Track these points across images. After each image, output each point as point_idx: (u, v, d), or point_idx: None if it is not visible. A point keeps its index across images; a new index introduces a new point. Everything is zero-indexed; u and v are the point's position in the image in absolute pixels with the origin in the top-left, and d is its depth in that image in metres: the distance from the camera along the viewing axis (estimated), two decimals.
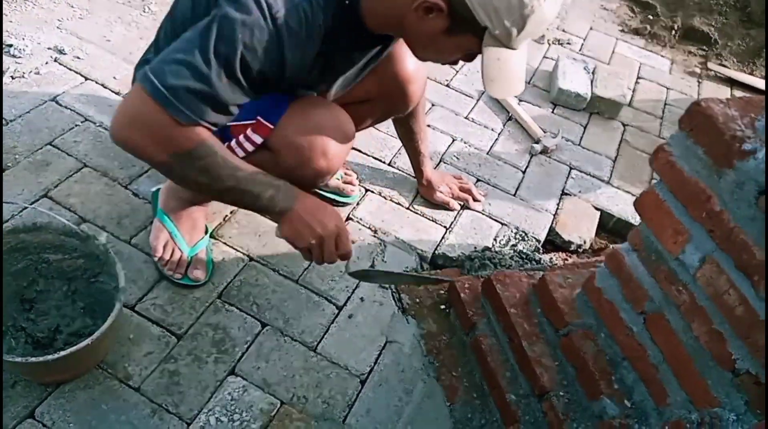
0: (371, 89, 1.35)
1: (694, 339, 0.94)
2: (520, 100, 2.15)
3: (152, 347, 1.19)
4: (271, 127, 1.10)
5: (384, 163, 1.75)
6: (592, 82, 2.20)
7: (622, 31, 2.75)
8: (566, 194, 1.82)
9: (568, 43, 2.54)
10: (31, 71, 1.68)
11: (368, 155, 1.76)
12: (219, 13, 0.89)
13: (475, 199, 1.68)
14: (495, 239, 1.62)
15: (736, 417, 0.85)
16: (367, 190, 1.65)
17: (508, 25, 0.92)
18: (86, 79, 1.71)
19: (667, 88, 2.44)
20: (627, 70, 2.42)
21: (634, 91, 2.36)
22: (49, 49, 1.76)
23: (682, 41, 2.75)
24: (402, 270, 1.48)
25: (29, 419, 1.05)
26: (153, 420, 1.09)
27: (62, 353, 0.97)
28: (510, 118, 2.05)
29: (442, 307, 1.42)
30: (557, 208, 1.77)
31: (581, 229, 1.73)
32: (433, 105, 2.02)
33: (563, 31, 2.61)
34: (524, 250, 1.59)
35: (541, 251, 1.64)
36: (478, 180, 1.78)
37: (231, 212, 1.48)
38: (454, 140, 1.90)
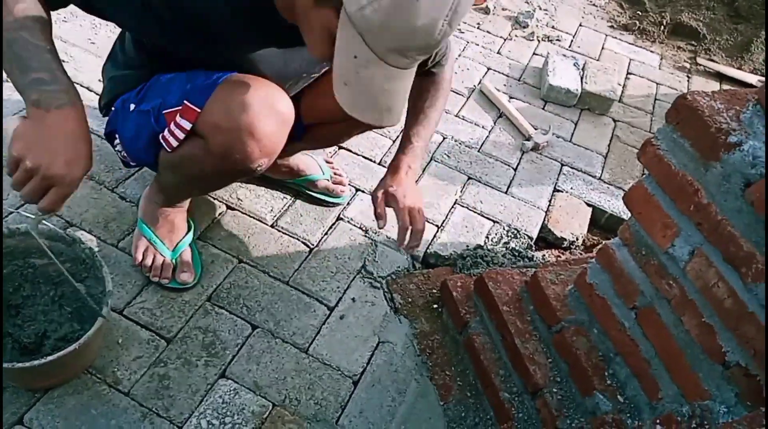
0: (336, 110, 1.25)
1: (684, 333, 0.93)
2: (511, 97, 2.15)
3: (141, 351, 1.18)
4: (198, 110, 1.03)
5: (374, 162, 1.75)
6: (582, 78, 2.20)
7: (612, 27, 2.76)
8: (558, 191, 1.82)
9: (558, 40, 2.54)
10: None
11: (358, 155, 1.75)
12: None
13: (413, 236, 1.21)
14: (487, 237, 1.62)
15: (726, 409, 0.85)
16: (357, 190, 1.64)
17: (365, 2, 0.77)
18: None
19: (657, 84, 2.45)
20: (617, 66, 2.42)
21: (624, 86, 2.37)
22: None
23: (671, 37, 2.76)
24: (394, 269, 1.47)
25: (18, 425, 1.04)
26: (143, 424, 1.08)
27: (49, 358, 0.96)
28: (501, 116, 2.05)
29: (435, 306, 1.41)
30: (549, 205, 1.77)
31: (573, 226, 1.72)
32: None
33: (553, 27, 2.61)
34: (516, 248, 1.59)
35: (533, 248, 1.64)
36: (469, 178, 1.78)
37: (219, 214, 1.47)
38: (444, 138, 1.89)
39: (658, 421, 0.95)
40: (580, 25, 2.70)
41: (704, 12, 2.81)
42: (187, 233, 1.34)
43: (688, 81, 2.53)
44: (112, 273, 1.07)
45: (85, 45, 1.83)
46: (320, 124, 1.34)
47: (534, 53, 2.42)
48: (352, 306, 1.37)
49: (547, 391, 1.12)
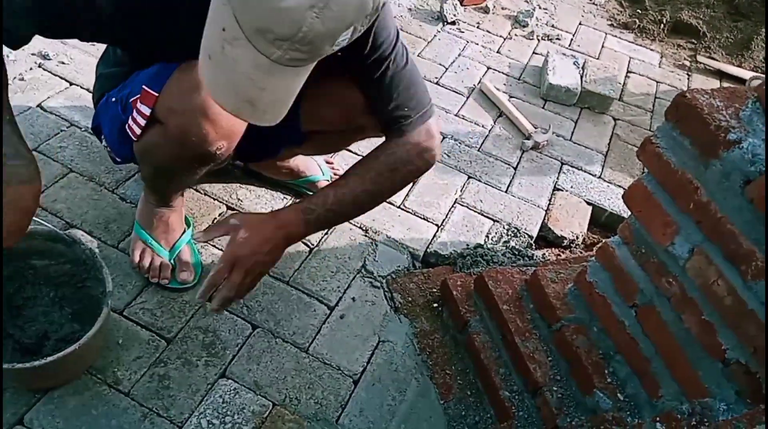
0: (335, 120, 1.23)
1: (684, 330, 0.93)
2: (511, 96, 2.14)
3: (141, 351, 1.18)
4: (156, 95, 1.02)
5: None
6: (582, 77, 2.20)
7: (611, 25, 2.75)
8: (558, 190, 1.82)
9: (558, 39, 2.54)
10: (15, 77, 1.66)
11: (358, 155, 1.75)
12: None
13: (218, 292, 1.07)
14: (487, 236, 1.62)
15: (726, 406, 0.85)
16: None
17: None
18: (71, 84, 1.70)
19: (657, 82, 2.44)
20: (617, 65, 2.42)
21: (624, 85, 2.36)
22: (33, 54, 1.75)
23: (671, 35, 2.75)
24: (394, 268, 1.47)
25: (18, 426, 1.04)
26: (144, 424, 1.08)
27: (49, 359, 0.96)
28: (501, 115, 2.05)
29: (435, 305, 1.41)
30: (549, 204, 1.76)
31: (573, 225, 1.72)
32: None
33: (552, 26, 2.61)
34: (516, 247, 1.59)
35: (533, 247, 1.64)
36: (469, 177, 1.78)
37: (219, 214, 1.47)
38: (444, 137, 1.89)
39: (658, 419, 0.94)
40: (580, 23, 2.70)
41: (704, 10, 2.81)
42: (183, 233, 1.34)
43: (688, 79, 2.53)
44: (112, 274, 1.07)
45: (85, 47, 1.83)
46: (320, 131, 1.33)
47: (534, 52, 2.41)
48: (352, 305, 1.37)
49: (548, 390, 1.12)
